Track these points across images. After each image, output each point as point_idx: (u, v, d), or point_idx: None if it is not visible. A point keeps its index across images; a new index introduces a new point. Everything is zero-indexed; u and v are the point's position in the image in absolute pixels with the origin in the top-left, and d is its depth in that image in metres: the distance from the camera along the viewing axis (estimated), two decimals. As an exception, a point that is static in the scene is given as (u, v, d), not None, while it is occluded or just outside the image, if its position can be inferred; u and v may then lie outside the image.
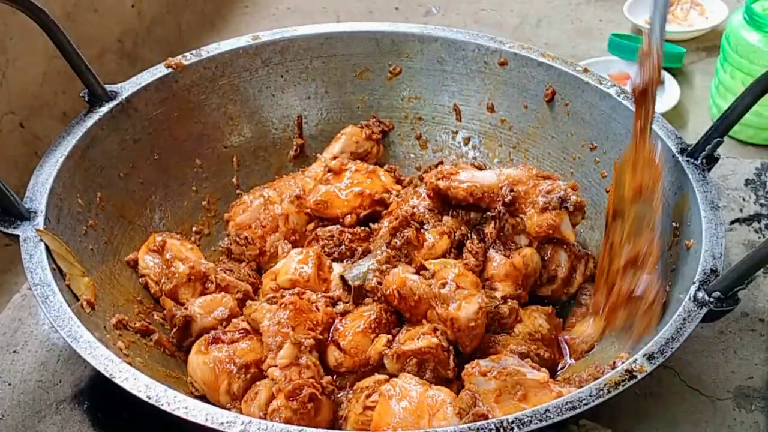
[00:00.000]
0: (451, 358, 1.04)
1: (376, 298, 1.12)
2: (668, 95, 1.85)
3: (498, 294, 1.14)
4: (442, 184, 1.21)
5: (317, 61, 1.43)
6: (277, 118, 1.45)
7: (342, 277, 1.16)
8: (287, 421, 0.95)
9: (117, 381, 0.87)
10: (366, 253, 1.23)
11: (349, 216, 1.29)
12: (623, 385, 0.87)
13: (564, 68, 1.32)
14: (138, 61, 1.98)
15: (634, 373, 0.89)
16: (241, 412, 1.02)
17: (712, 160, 1.13)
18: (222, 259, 1.31)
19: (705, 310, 0.95)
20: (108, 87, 1.24)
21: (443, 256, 1.17)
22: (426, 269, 1.13)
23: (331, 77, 1.45)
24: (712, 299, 0.95)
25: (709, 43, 2.06)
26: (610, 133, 1.27)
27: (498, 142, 1.42)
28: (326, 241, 1.25)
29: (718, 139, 1.12)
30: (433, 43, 1.41)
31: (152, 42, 2.07)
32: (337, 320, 1.11)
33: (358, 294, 1.14)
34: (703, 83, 1.94)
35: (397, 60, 1.44)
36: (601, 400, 0.86)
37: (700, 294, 0.96)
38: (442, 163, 1.43)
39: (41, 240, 1.01)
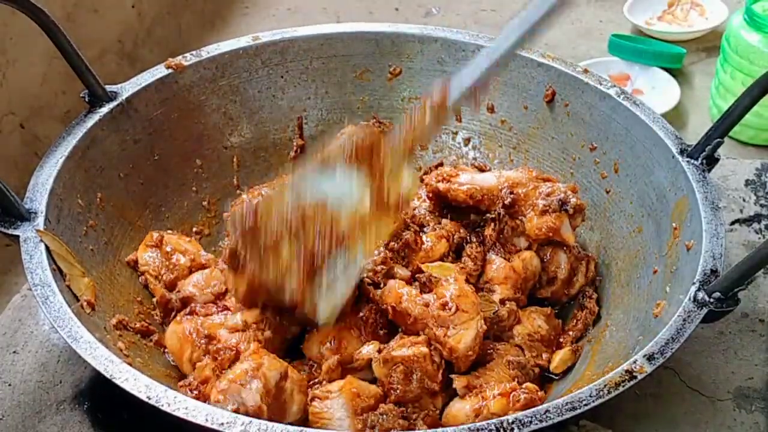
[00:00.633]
0: (441, 372, 1.03)
1: (366, 299, 1.12)
2: (668, 96, 1.85)
3: (496, 297, 1.14)
4: (441, 186, 1.21)
5: (317, 61, 1.43)
6: (277, 119, 1.45)
7: None
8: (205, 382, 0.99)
9: (117, 381, 0.87)
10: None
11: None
12: (623, 386, 0.87)
13: (564, 69, 1.32)
14: (138, 62, 1.98)
15: (634, 374, 0.89)
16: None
17: (712, 161, 1.13)
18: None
19: (705, 310, 0.95)
20: (108, 87, 1.24)
21: (441, 259, 1.17)
22: (422, 272, 1.13)
23: (331, 78, 1.45)
24: (712, 300, 0.95)
25: (709, 43, 2.06)
26: (610, 133, 1.27)
27: (498, 142, 1.42)
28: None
29: (718, 139, 1.12)
30: (433, 43, 1.41)
31: (152, 43, 2.07)
32: None
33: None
34: (703, 84, 1.94)
35: (397, 60, 1.44)
36: (601, 400, 0.86)
37: (700, 294, 0.96)
38: (442, 164, 1.43)
39: (41, 240, 1.01)
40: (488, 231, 1.20)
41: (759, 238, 1.32)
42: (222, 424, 0.83)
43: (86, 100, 1.23)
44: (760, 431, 1.06)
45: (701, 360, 1.14)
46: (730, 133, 1.27)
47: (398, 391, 1.01)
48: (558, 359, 1.13)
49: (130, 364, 0.90)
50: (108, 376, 0.88)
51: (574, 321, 1.20)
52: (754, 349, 1.15)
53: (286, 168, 1.45)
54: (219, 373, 1.01)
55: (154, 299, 1.18)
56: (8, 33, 1.55)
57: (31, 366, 1.13)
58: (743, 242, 1.32)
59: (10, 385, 1.11)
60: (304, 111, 1.46)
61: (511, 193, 1.19)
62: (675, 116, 1.83)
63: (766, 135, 1.74)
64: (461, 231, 1.22)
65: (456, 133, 1.45)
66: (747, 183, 1.42)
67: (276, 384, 0.97)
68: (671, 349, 0.91)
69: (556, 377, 1.14)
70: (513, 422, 0.82)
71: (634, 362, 0.90)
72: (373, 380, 1.04)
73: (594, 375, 1.04)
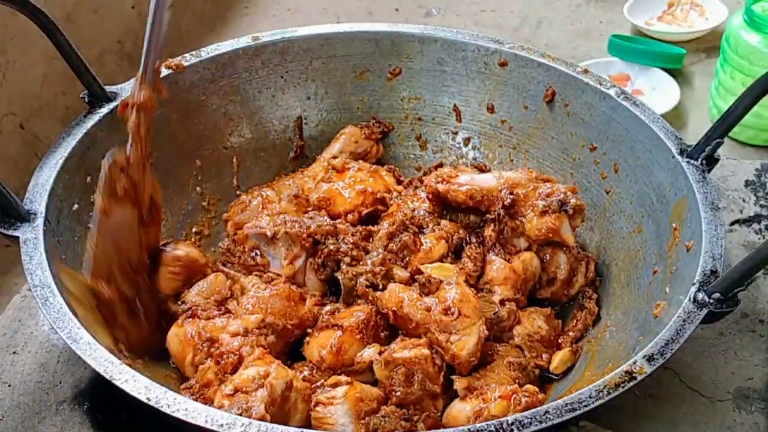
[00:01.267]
0: (442, 375, 1.04)
1: (367, 301, 1.12)
2: (668, 96, 1.85)
3: (496, 297, 1.14)
4: (441, 187, 1.21)
5: (317, 61, 1.43)
6: (277, 119, 1.45)
7: (335, 277, 1.16)
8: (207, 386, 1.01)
9: (117, 382, 0.87)
10: (366, 252, 1.22)
11: (351, 214, 1.29)
12: (623, 387, 0.87)
13: (564, 69, 1.32)
14: (138, 62, 1.98)
15: (633, 375, 0.89)
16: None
17: (712, 161, 1.13)
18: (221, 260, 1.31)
19: (705, 311, 0.95)
20: (108, 88, 1.24)
21: (440, 260, 1.17)
22: (422, 273, 1.13)
23: (331, 78, 1.45)
24: (712, 300, 0.95)
25: (709, 44, 2.06)
26: (609, 133, 1.27)
27: (498, 142, 1.42)
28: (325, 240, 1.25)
29: (718, 140, 1.12)
30: (433, 43, 1.41)
31: (152, 43, 2.07)
32: (327, 315, 1.12)
33: (349, 294, 1.13)
34: (703, 84, 1.94)
35: (397, 61, 1.44)
36: (600, 401, 0.86)
37: (700, 295, 0.96)
38: (442, 164, 1.43)
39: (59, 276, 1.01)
40: (488, 232, 1.20)
41: (759, 238, 1.32)
42: (222, 425, 0.83)
43: (86, 100, 1.23)
44: (760, 432, 1.06)
45: (701, 360, 1.14)
46: (730, 134, 1.27)
47: (399, 393, 1.01)
48: (558, 360, 1.13)
49: (129, 365, 0.90)
50: (108, 377, 0.88)
51: (574, 321, 1.20)
52: (754, 350, 1.15)
53: (286, 168, 1.46)
54: (222, 377, 1.01)
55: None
56: (8, 33, 1.55)
57: (30, 366, 1.13)
58: (743, 243, 1.32)
59: (9, 385, 1.11)
60: (304, 111, 1.46)
61: (511, 193, 1.19)
62: (675, 116, 1.83)
63: (765, 135, 1.74)
64: (461, 232, 1.22)
65: (456, 133, 1.45)
66: (747, 183, 1.42)
67: (281, 393, 0.97)
68: (671, 349, 0.91)
69: (556, 377, 1.14)
70: (513, 423, 0.82)
71: (634, 363, 0.90)
72: (374, 383, 1.04)
73: (594, 375, 1.04)
